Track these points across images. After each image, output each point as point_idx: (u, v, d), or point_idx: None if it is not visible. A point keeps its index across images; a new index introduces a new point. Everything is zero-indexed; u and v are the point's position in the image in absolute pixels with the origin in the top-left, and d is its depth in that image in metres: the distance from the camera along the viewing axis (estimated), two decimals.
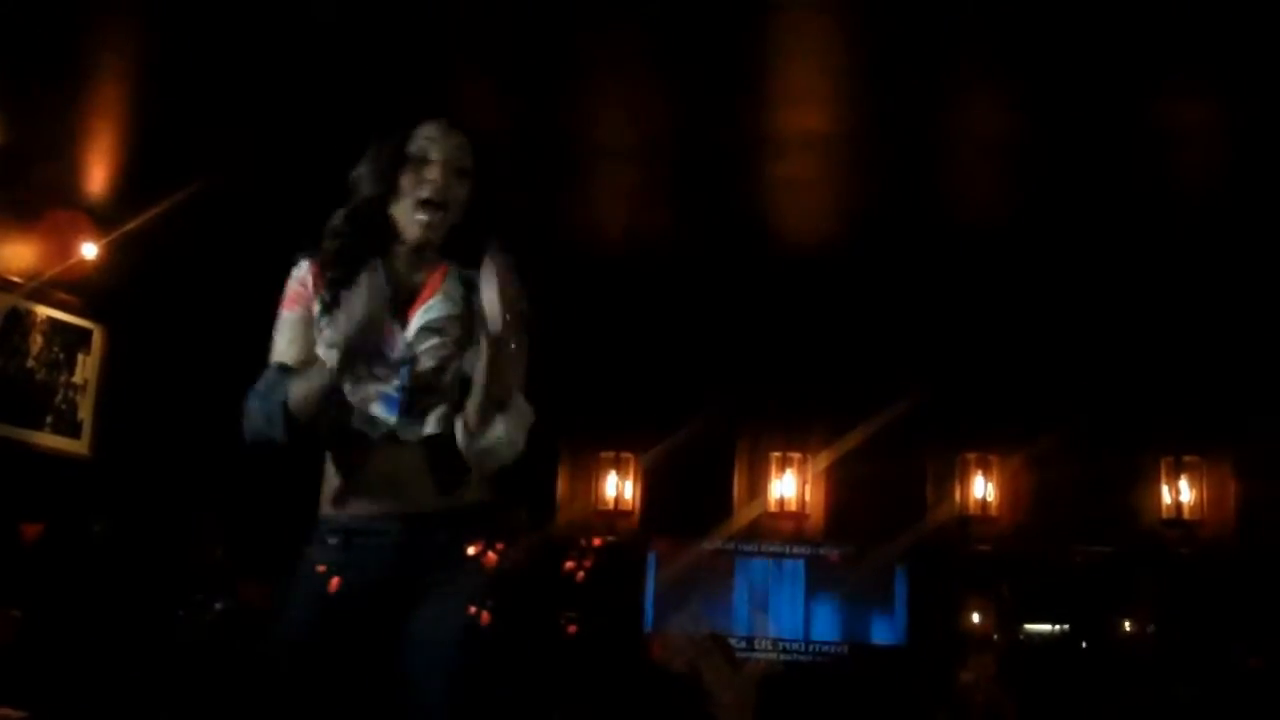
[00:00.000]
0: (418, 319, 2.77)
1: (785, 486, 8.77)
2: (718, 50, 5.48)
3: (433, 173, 2.77)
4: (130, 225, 7.10)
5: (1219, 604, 7.81)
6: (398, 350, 2.70)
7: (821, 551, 8.62)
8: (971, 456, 8.61)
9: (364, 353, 2.72)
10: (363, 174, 2.83)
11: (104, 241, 7.23)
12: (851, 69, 5.72)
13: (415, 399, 2.75)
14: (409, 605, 2.74)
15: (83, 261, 7.22)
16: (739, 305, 8.20)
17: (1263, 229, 6.89)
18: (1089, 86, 5.58)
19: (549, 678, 6.99)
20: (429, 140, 2.80)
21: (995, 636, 8.09)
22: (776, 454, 8.78)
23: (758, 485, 8.83)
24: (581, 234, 7.64)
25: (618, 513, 8.93)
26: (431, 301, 2.77)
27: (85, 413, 7.37)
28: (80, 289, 7.28)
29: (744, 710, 7.27)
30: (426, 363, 2.76)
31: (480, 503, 2.85)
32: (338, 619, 2.75)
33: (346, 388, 2.74)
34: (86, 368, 7.37)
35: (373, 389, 2.74)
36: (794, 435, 8.81)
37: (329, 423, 2.75)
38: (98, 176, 6.99)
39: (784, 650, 8.36)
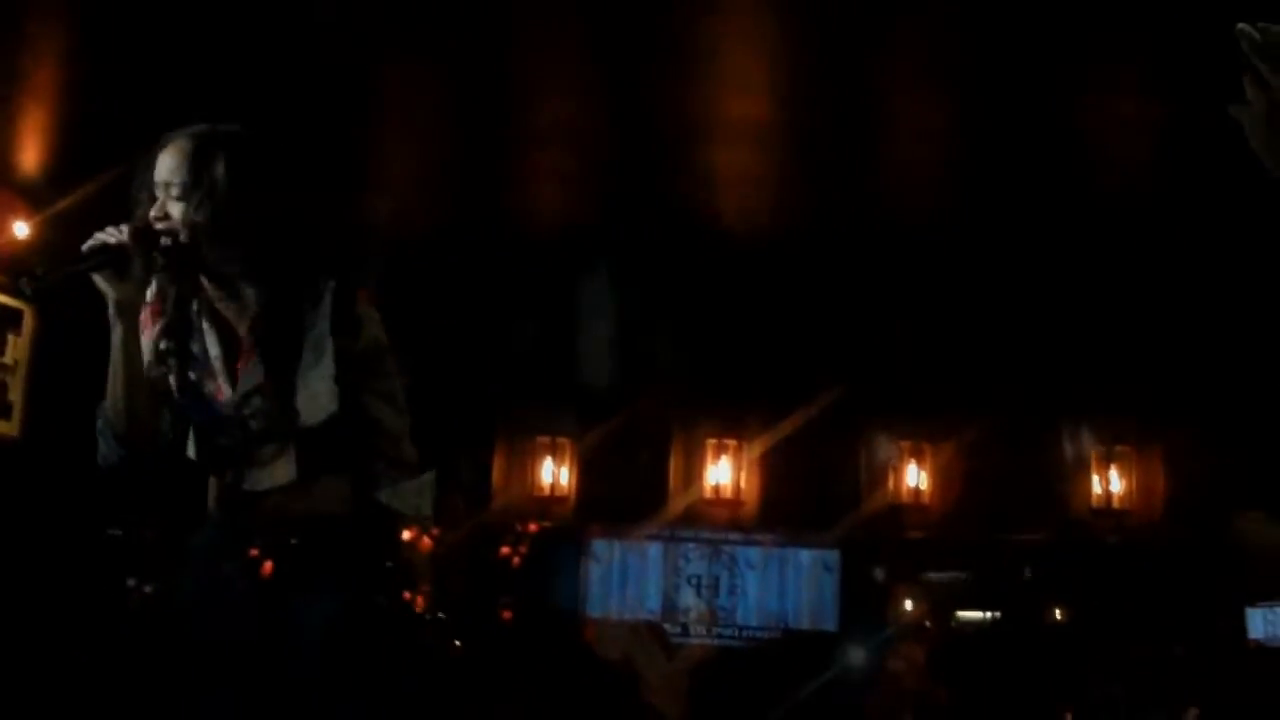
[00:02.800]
0: (242, 381, 2.67)
1: (721, 473, 8.78)
2: (653, 35, 5.49)
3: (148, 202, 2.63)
4: (62, 204, 6.91)
5: (1146, 592, 7.91)
6: (227, 408, 2.64)
7: (756, 538, 8.67)
8: (905, 444, 8.67)
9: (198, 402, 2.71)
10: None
11: (35, 220, 7.12)
12: (784, 58, 5.79)
13: (252, 450, 2.70)
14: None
15: (13, 241, 7.11)
16: (676, 292, 8.22)
17: (1192, 220, 6.96)
18: (1025, 75, 5.65)
19: (487, 665, 7.01)
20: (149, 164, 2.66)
21: (927, 623, 8.12)
22: (712, 440, 8.80)
23: (694, 471, 8.86)
24: (520, 219, 7.64)
25: (553, 498, 8.90)
26: (252, 364, 2.65)
27: (15, 394, 7.29)
28: (9, 268, 7.13)
29: (677, 696, 7.32)
30: (256, 425, 2.69)
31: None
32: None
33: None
34: (16, 348, 7.30)
35: (214, 439, 2.71)
36: (730, 422, 8.83)
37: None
38: (29, 154, 6.96)
39: (718, 636, 8.45)
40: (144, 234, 2.57)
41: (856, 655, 7.60)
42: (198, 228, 2.57)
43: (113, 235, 2.52)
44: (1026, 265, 7.58)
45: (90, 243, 2.50)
